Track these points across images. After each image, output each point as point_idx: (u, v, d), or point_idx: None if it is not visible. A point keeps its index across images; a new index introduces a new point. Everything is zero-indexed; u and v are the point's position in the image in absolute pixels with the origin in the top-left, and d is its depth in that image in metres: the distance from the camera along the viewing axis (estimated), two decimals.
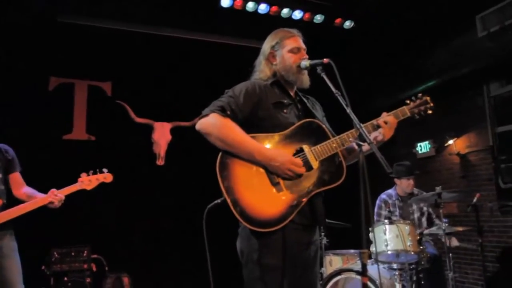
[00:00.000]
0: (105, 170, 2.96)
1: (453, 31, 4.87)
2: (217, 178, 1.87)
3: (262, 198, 1.87)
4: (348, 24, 5.39)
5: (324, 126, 2.05)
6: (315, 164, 1.94)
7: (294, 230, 1.91)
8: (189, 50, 5.43)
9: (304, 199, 1.90)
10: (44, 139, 4.82)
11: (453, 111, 5.53)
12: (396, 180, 4.41)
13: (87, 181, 2.86)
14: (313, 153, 1.94)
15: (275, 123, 1.99)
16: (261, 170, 1.90)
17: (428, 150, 5.92)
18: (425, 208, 4.35)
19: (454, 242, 4.07)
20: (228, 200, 1.85)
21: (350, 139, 1.93)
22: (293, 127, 1.99)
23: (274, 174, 1.89)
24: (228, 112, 1.94)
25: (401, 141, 6.45)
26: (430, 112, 2.09)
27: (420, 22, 5.02)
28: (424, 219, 4.35)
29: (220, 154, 1.92)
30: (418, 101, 2.09)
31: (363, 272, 1.70)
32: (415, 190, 4.41)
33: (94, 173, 2.90)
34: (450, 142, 5.57)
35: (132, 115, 5.27)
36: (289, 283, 1.89)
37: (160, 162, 5.30)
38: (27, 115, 4.73)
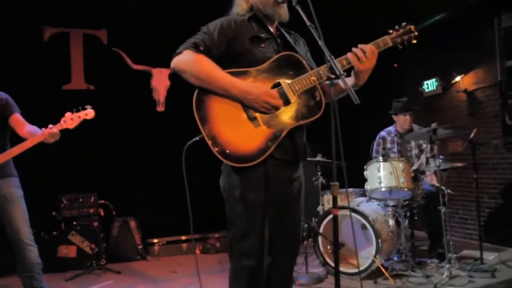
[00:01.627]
0: (88, 106, 2.80)
1: None
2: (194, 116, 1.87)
3: (239, 133, 1.86)
4: None
5: (303, 60, 1.98)
6: (292, 97, 1.90)
7: (275, 166, 1.91)
8: None
9: (282, 133, 1.88)
10: (44, 90, 4.84)
11: (461, 47, 5.29)
12: (393, 116, 4.35)
13: (69, 120, 2.72)
14: (291, 87, 1.90)
15: (252, 58, 1.94)
16: (238, 105, 1.87)
17: (435, 88, 5.77)
18: (424, 145, 4.31)
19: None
20: (206, 138, 1.85)
21: (326, 72, 1.87)
22: (270, 60, 1.93)
23: (251, 108, 1.86)
24: (202, 48, 1.89)
25: (408, 79, 6.29)
26: (414, 41, 1.97)
27: None
28: (423, 156, 4.32)
29: (196, 91, 1.90)
30: (401, 30, 1.95)
31: (334, 205, 1.73)
32: (415, 127, 4.35)
33: (78, 111, 2.77)
34: (457, 79, 5.39)
35: (129, 62, 5.20)
36: (271, 219, 1.92)
37: (160, 108, 5.30)
38: (24, 67, 4.72)
